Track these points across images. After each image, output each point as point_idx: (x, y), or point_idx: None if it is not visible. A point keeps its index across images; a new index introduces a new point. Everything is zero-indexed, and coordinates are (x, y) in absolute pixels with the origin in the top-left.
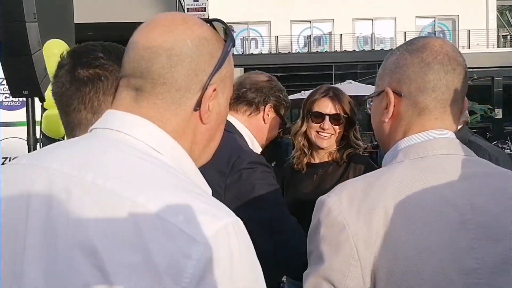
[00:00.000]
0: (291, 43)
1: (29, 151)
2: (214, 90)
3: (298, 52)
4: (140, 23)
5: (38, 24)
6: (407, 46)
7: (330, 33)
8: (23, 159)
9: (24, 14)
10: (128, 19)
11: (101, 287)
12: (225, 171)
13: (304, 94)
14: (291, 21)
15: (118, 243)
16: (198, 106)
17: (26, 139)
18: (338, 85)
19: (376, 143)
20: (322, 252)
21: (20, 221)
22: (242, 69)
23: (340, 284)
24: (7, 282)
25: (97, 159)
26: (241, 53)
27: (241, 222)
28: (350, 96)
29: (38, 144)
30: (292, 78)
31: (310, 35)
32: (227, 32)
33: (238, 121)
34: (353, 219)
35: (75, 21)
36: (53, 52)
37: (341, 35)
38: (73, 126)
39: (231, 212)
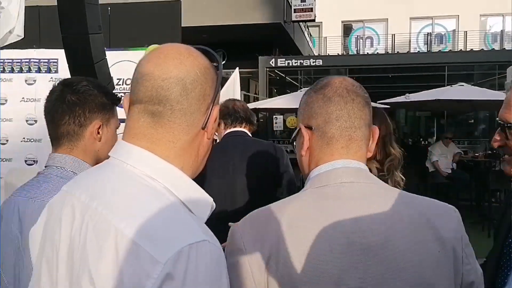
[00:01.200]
0: (410, 42)
1: None
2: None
3: (409, 51)
4: (252, 25)
5: (139, 29)
6: (314, 87)
7: (453, 31)
8: (65, 186)
9: (87, 27)
10: (240, 21)
11: None
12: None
13: (409, 97)
14: (411, 18)
15: (106, 264)
16: (205, 125)
17: None
18: (448, 88)
19: (489, 151)
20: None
21: (55, 240)
22: (347, 69)
23: None
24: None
25: (104, 190)
26: (355, 52)
27: (207, 243)
28: (458, 100)
29: None
30: (403, 78)
31: (430, 33)
32: (217, 58)
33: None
34: (250, 245)
35: (188, 25)
36: None
37: (465, 32)
38: (61, 136)
39: (200, 233)
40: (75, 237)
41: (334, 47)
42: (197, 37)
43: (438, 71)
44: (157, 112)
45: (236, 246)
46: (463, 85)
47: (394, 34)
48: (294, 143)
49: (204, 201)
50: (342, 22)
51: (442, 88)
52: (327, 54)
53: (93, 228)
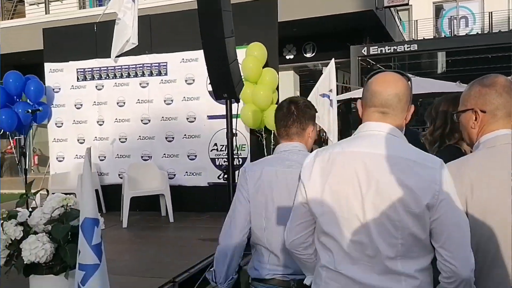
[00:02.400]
0: (509, 19)
1: (228, 142)
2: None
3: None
4: (343, 15)
5: (239, 28)
6: (483, 81)
7: None
8: (336, 148)
9: (223, 32)
10: (330, 12)
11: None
12: None
13: None
14: None
15: (393, 174)
16: (406, 116)
17: (238, 129)
18: None
19: None
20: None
21: (355, 182)
22: (444, 52)
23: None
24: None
25: (376, 144)
26: (448, 34)
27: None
28: None
29: (234, 137)
30: (506, 59)
31: None
32: (409, 78)
33: None
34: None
35: (279, 20)
36: (253, 54)
37: None
38: (292, 134)
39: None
40: (359, 167)
41: (425, 31)
42: (287, 31)
43: None
44: (385, 112)
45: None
46: None
47: (491, 12)
48: (455, 116)
49: None
50: (433, 3)
51: None
52: (422, 38)
53: (380, 158)
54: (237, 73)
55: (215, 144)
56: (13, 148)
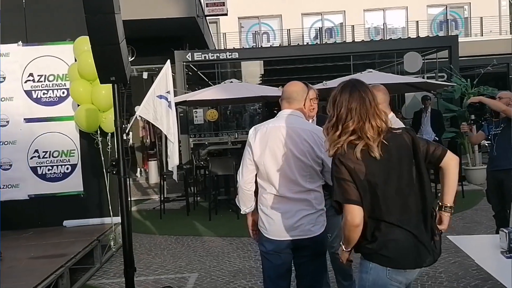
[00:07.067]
0: (303, 36)
1: (116, 132)
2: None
3: (317, 43)
4: (165, 20)
5: (59, 23)
6: None
7: (341, 24)
8: (270, 124)
9: (113, 6)
10: (153, 16)
11: None
12: None
13: (326, 84)
14: (302, 14)
15: None
16: (304, 104)
17: (64, 133)
18: (358, 75)
19: None
20: None
21: (282, 143)
22: (262, 61)
23: None
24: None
25: (281, 120)
26: (251, 47)
27: None
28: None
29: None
30: (316, 69)
31: (321, 27)
32: (308, 85)
33: None
34: None
35: None
36: (83, 49)
37: (352, 26)
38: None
39: None
40: (282, 134)
41: (232, 43)
42: None
43: (344, 61)
44: (289, 101)
45: None
46: (371, 72)
47: (289, 29)
48: None
49: None
50: (238, 18)
51: (355, 74)
52: (242, 47)
53: (288, 128)
54: (126, 54)
55: (36, 151)
56: None
